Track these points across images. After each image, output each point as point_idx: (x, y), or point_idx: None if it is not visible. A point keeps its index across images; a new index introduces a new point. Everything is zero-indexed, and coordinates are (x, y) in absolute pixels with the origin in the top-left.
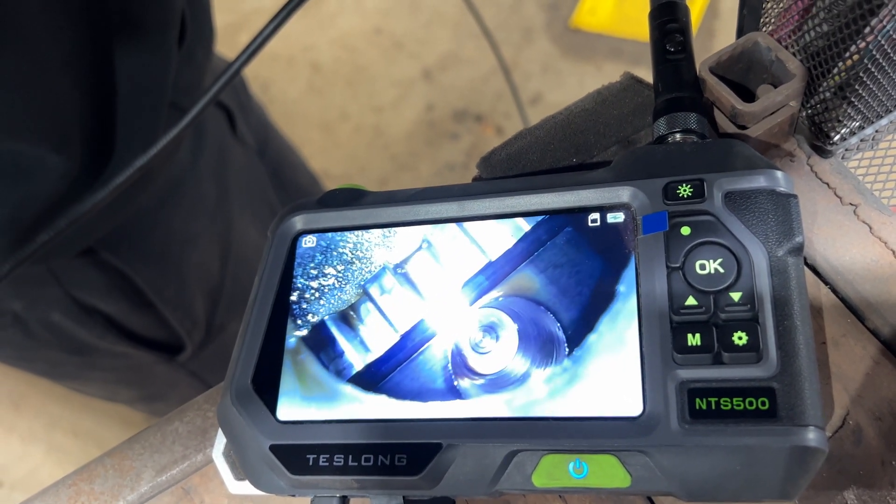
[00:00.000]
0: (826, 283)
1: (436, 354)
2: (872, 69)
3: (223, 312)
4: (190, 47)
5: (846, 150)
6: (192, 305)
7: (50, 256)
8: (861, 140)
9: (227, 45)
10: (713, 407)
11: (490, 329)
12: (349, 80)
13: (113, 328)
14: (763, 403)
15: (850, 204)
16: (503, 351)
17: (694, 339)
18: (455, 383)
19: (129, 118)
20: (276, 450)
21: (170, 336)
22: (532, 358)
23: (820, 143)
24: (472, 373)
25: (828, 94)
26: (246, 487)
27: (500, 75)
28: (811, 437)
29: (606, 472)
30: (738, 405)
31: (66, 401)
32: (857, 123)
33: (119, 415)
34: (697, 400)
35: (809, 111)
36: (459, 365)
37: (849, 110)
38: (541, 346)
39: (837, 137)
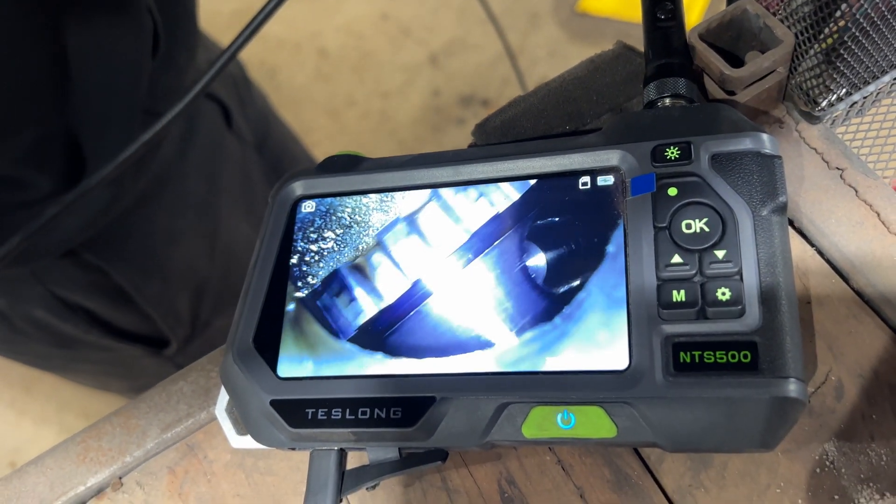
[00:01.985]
0: (812, 244)
1: (430, 314)
2: (858, 35)
3: (209, 309)
4: (168, 53)
5: (834, 117)
6: (176, 302)
7: (30, 260)
8: (849, 106)
9: (234, 31)
10: (697, 360)
11: (481, 289)
12: (356, 66)
13: (97, 324)
14: (745, 356)
15: (837, 168)
16: (494, 310)
17: (679, 295)
18: (448, 340)
19: (99, 128)
20: (276, 405)
21: (154, 331)
22: (523, 315)
23: (808, 109)
24: (465, 330)
25: (815, 61)
26: (248, 442)
27: (506, 60)
28: (791, 388)
29: (593, 422)
30: (721, 358)
31: (77, 384)
32: (845, 90)
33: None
34: (682, 353)
35: (797, 77)
36: (452, 323)
37: (836, 76)
38: (531, 305)
39: (825, 103)
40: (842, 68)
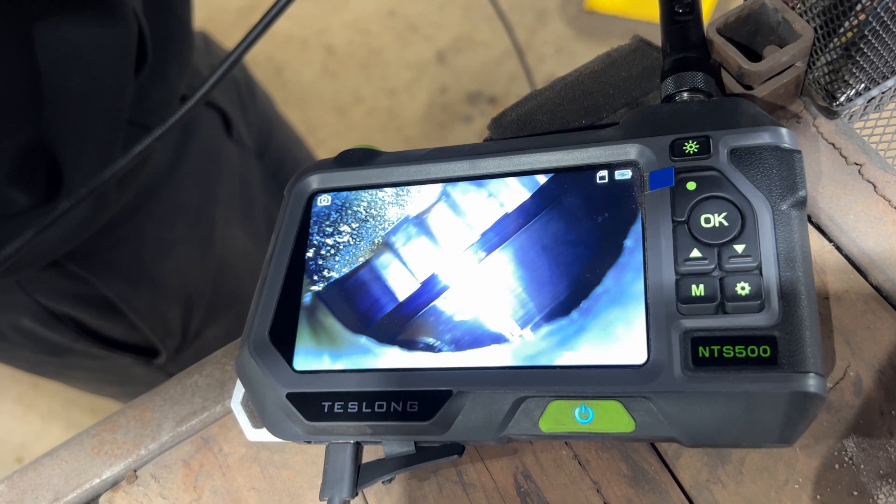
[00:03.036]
0: (830, 240)
1: (447, 308)
2: (878, 29)
3: (200, 319)
4: (158, 64)
5: (852, 112)
6: (165, 313)
7: (10, 273)
8: (867, 101)
9: (241, 28)
10: (716, 355)
11: (498, 283)
12: (363, 63)
13: (85, 333)
14: (765, 351)
15: (855, 163)
16: (511, 304)
17: (698, 290)
18: (465, 334)
19: (78, 140)
20: (292, 398)
21: (143, 341)
22: (540, 310)
23: (826, 104)
24: (482, 324)
25: (834, 55)
26: (263, 435)
27: (513, 57)
28: (811, 383)
29: (611, 417)
30: (741, 353)
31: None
32: (863, 84)
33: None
34: (700, 348)
35: (816, 72)
36: (469, 317)
37: (854, 71)
38: (548, 299)
39: (843, 98)
40: (861, 63)
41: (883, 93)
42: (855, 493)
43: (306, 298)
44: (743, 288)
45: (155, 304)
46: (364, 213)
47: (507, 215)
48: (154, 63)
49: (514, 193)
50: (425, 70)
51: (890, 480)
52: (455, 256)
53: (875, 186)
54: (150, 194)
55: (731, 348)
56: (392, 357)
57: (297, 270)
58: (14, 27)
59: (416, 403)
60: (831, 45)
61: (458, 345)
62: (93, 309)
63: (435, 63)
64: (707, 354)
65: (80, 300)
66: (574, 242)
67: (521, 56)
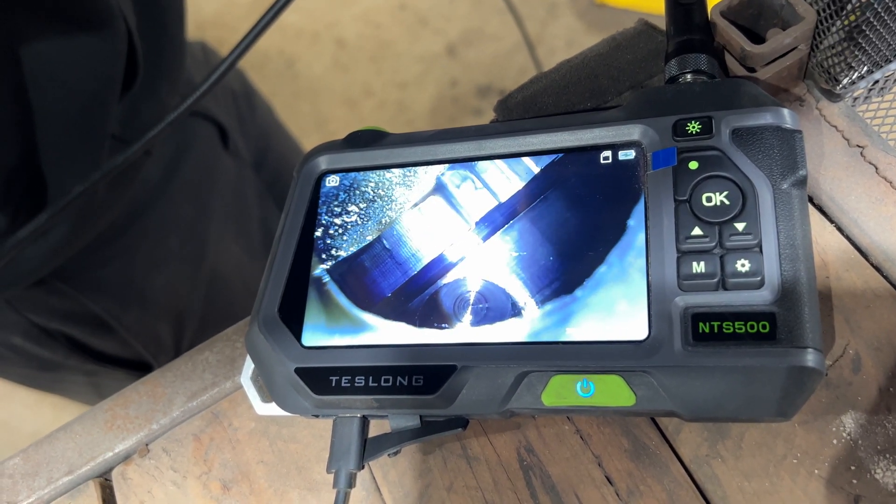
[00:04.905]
0: (832, 221)
1: (453, 285)
2: (881, 12)
3: (192, 334)
4: (149, 82)
5: (855, 96)
6: (157, 329)
7: None
8: (871, 85)
9: (252, 20)
10: (715, 330)
11: (503, 262)
12: (373, 56)
13: (77, 349)
14: (764, 327)
15: (858, 146)
16: (516, 282)
17: (699, 267)
18: (470, 312)
19: (62, 159)
20: (301, 372)
21: (136, 356)
22: (544, 287)
23: (829, 87)
24: (487, 301)
25: (837, 38)
26: (272, 409)
27: (524, 50)
28: (809, 358)
29: (612, 391)
30: (740, 328)
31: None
32: (866, 68)
33: None
34: (700, 324)
35: (819, 56)
36: (474, 294)
37: (857, 53)
38: (553, 277)
39: (846, 81)
40: (864, 46)
41: (886, 76)
42: (853, 467)
43: (315, 276)
44: (743, 265)
45: (146, 320)
46: (372, 193)
47: (512, 195)
48: (144, 80)
49: (519, 174)
50: (435, 63)
51: (887, 455)
52: (461, 236)
53: (877, 168)
54: (140, 211)
55: (731, 324)
56: (398, 333)
57: (306, 249)
58: (0, 43)
59: (421, 378)
60: (834, 28)
61: (463, 321)
62: (84, 326)
63: (445, 56)
64: (707, 330)
65: (70, 318)
66: (578, 221)
67: (532, 49)
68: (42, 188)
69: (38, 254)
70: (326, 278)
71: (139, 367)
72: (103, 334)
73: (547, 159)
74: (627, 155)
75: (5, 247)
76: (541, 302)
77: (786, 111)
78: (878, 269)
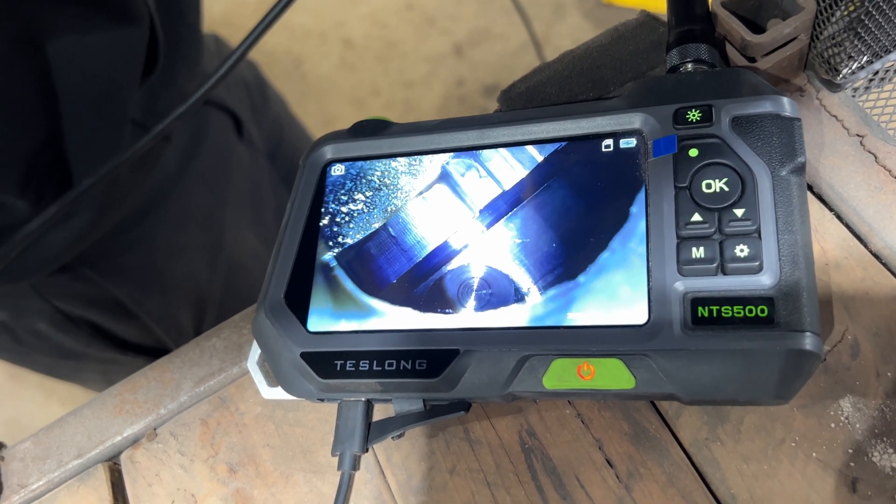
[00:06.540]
0: (831, 209)
1: (457, 272)
2: (881, 2)
3: (212, 320)
4: (169, 69)
5: (856, 86)
6: (178, 315)
7: (19, 277)
8: (871, 75)
9: (261, 16)
10: (714, 314)
11: (507, 248)
12: (380, 56)
13: (99, 336)
14: (762, 311)
15: (857, 135)
16: (519, 268)
17: (698, 252)
18: (474, 298)
19: (86, 145)
20: (306, 357)
21: (157, 343)
22: (547, 273)
23: (829, 77)
24: (490, 287)
25: (837, 28)
26: (278, 393)
27: (531, 50)
28: (807, 341)
29: (612, 374)
30: (739, 312)
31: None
32: (866, 58)
33: None
34: (700, 308)
35: (819, 45)
36: (478, 280)
37: (857, 44)
38: (555, 263)
39: (846, 71)
40: (864, 36)
41: (886, 67)
42: (850, 451)
43: (321, 262)
44: (742, 250)
45: (167, 306)
46: (377, 181)
47: (516, 183)
48: (164, 67)
49: (522, 162)
50: (442, 63)
51: (884, 439)
52: (465, 223)
53: (876, 157)
54: (160, 198)
55: (730, 308)
56: (402, 318)
57: (312, 237)
58: (25, 30)
59: (424, 362)
60: (834, 19)
61: (467, 307)
62: (106, 311)
63: (452, 56)
64: (706, 314)
65: (93, 303)
66: (581, 209)
67: (539, 49)
68: (65, 174)
69: (63, 239)
70: (332, 264)
71: (159, 355)
72: (126, 320)
73: (550, 148)
74: (629, 143)
75: (29, 228)
76: (543, 288)
77: (785, 99)
78: (876, 256)
